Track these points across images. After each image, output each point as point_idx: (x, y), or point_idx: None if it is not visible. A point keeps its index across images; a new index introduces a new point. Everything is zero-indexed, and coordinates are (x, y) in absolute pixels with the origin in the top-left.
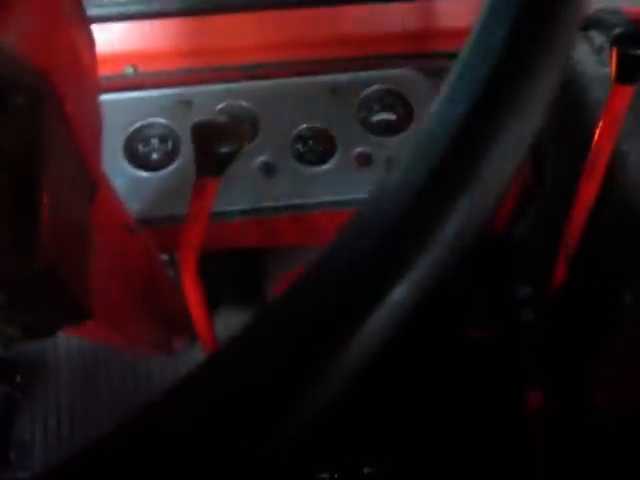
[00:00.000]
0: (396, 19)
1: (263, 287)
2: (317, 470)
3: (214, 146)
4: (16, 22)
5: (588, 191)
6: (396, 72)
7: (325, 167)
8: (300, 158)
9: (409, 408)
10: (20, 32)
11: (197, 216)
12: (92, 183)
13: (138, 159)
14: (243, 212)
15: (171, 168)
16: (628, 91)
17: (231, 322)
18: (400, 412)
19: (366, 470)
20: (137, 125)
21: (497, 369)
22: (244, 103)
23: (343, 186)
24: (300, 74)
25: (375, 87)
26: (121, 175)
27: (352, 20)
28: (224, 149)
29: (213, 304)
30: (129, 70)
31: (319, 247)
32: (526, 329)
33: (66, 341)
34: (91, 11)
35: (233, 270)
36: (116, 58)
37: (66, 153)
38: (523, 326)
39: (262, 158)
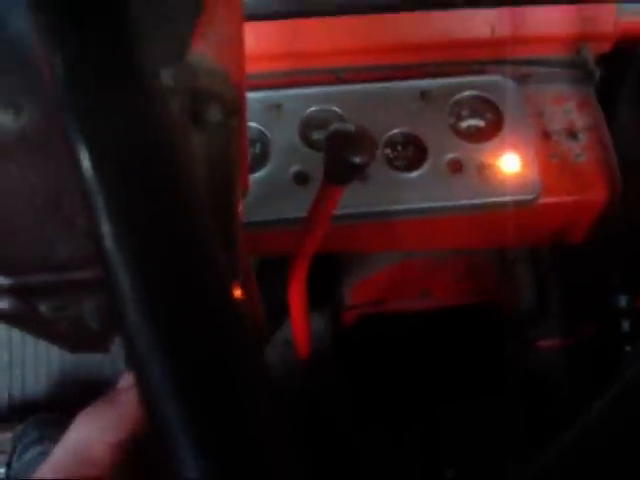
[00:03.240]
0: (486, 25)
1: (337, 293)
2: None
3: (348, 155)
4: (213, 35)
5: None
6: (486, 78)
7: (417, 173)
8: (391, 163)
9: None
10: (217, 46)
11: (317, 222)
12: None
13: None
14: (332, 217)
15: (261, 173)
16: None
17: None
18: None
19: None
20: None
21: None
22: (334, 107)
23: (434, 192)
24: (389, 78)
25: (465, 93)
26: None
27: (442, 25)
28: (358, 159)
29: (282, 307)
30: None
31: (397, 253)
32: (626, 338)
33: None
34: None
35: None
36: None
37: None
38: (623, 335)
39: None
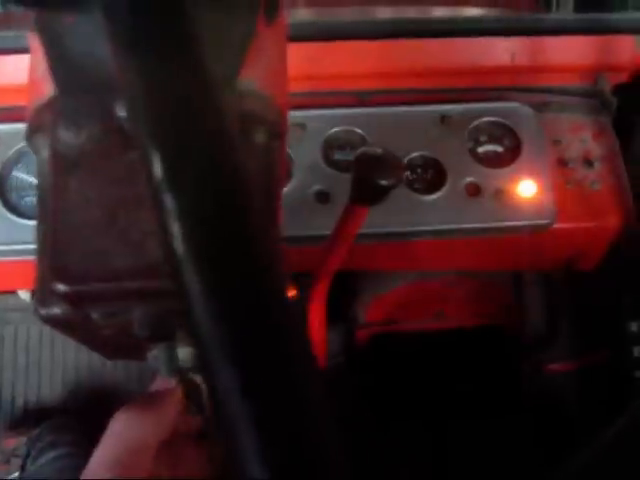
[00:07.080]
0: (506, 53)
1: (352, 310)
2: None
3: (375, 177)
4: (260, 61)
5: None
6: (505, 105)
7: (435, 196)
8: (410, 185)
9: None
10: (263, 72)
11: (341, 242)
12: None
13: None
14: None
15: (283, 190)
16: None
17: None
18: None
19: None
20: None
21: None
22: (356, 129)
23: (452, 215)
24: (411, 103)
25: (484, 119)
26: None
27: (463, 52)
28: (384, 181)
29: None
30: None
31: (412, 273)
32: (637, 364)
33: None
34: None
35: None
36: None
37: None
38: (633, 361)
39: None
